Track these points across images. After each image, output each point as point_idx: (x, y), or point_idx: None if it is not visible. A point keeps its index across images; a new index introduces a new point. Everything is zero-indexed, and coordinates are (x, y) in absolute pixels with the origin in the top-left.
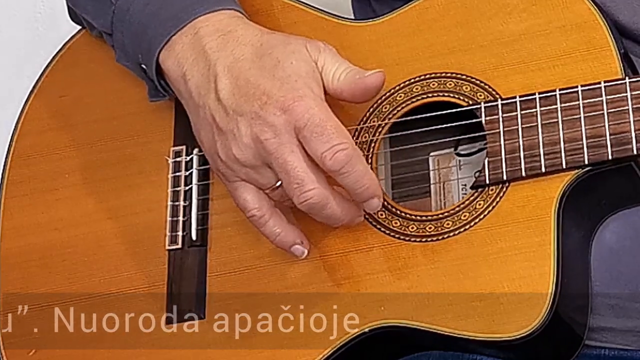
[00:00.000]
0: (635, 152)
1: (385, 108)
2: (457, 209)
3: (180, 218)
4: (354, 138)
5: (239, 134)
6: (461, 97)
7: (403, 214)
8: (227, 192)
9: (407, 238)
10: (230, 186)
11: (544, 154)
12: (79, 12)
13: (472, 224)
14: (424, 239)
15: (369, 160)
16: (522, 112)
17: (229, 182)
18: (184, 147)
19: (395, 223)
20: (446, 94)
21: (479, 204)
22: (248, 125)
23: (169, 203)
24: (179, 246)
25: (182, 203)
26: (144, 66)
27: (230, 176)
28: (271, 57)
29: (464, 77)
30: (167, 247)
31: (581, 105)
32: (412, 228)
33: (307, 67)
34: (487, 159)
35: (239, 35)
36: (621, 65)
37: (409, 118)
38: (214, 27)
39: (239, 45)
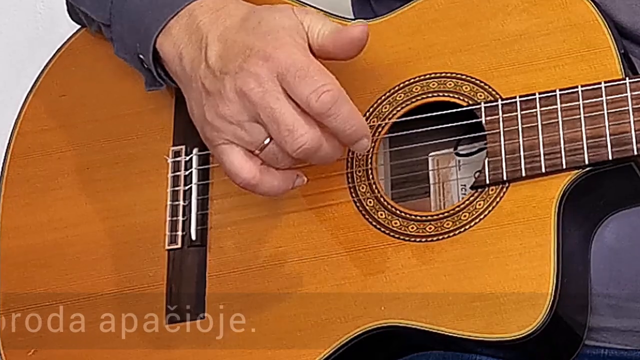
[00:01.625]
0: (635, 153)
1: (385, 108)
2: (457, 209)
3: (180, 218)
4: None
5: (224, 91)
6: (461, 97)
7: (403, 214)
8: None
9: (407, 238)
10: (216, 151)
11: (544, 154)
12: (77, 5)
13: (472, 224)
14: (424, 239)
15: (369, 160)
16: (522, 112)
17: (214, 147)
18: (183, 147)
19: (395, 223)
20: (446, 94)
21: (479, 204)
22: (232, 80)
23: (169, 203)
24: (179, 246)
25: (181, 203)
26: (141, 56)
27: (216, 139)
28: (255, 16)
29: (463, 77)
30: (167, 247)
31: (581, 105)
32: (412, 228)
33: (291, 22)
34: (487, 159)
35: (230, 9)
36: (621, 65)
37: (408, 118)
38: (207, 6)
39: (230, 17)
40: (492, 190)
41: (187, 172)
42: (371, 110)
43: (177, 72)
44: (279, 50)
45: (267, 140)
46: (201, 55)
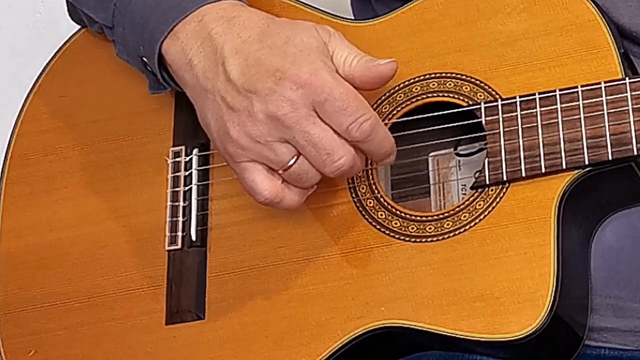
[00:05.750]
0: (635, 153)
1: (385, 108)
2: (457, 209)
3: (180, 218)
4: None
5: (253, 111)
6: (461, 97)
7: (403, 214)
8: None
9: (407, 238)
10: (237, 167)
11: (544, 155)
12: (79, 7)
13: (472, 224)
14: (424, 239)
15: (369, 161)
16: (522, 112)
17: (236, 164)
18: (183, 148)
19: (395, 223)
20: (446, 94)
21: (479, 205)
22: (263, 102)
23: (169, 203)
24: (179, 247)
25: (181, 203)
26: (145, 59)
27: (239, 156)
28: (280, 35)
29: (463, 77)
30: (167, 248)
31: (581, 105)
32: (412, 228)
33: (318, 43)
34: (487, 159)
35: (244, 20)
36: (621, 65)
37: (408, 118)
38: (217, 14)
39: (245, 29)
40: (492, 190)
41: (187, 173)
42: None
43: (186, 79)
44: (314, 77)
45: (293, 161)
46: (217, 68)
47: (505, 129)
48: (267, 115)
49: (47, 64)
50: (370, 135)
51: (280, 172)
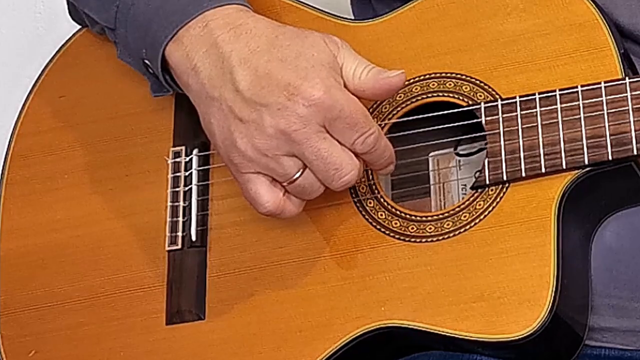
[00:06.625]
0: (635, 153)
1: (385, 108)
2: (457, 209)
3: (180, 219)
4: None
5: (262, 124)
6: (461, 97)
7: (403, 215)
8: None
9: (407, 238)
10: (241, 178)
11: (544, 155)
12: (81, 8)
13: (472, 224)
14: (424, 240)
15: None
16: (522, 112)
17: (240, 174)
18: (183, 148)
19: (395, 223)
20: (446, 94)
21: (479, 205)
22: (274, 116)
23: (169, 204)
24: (179, 247)
25: (181, 204)
26: (147, 62)
27: (244, 167)
28: (291, 49)
29: (463, 77)
30: (167, 248)
31: (581, 105)
32: (412, 228)
33: (328, 58)
34: (487, 159)
35: (251, 28)
36: (621, 65)
37: (408, 118)
38: (223, 20)
39: (253, 38)
40: (492, 190)
41: (187, 173)
42: (371, 110)
43: (190, 85)
44: (326, 95)
45: (298, 174)
46: (225, 76)
47: (505, 129)
48: (277, 130)
49: (48, 64)
50: (373, 148)
51: (284, 184)
